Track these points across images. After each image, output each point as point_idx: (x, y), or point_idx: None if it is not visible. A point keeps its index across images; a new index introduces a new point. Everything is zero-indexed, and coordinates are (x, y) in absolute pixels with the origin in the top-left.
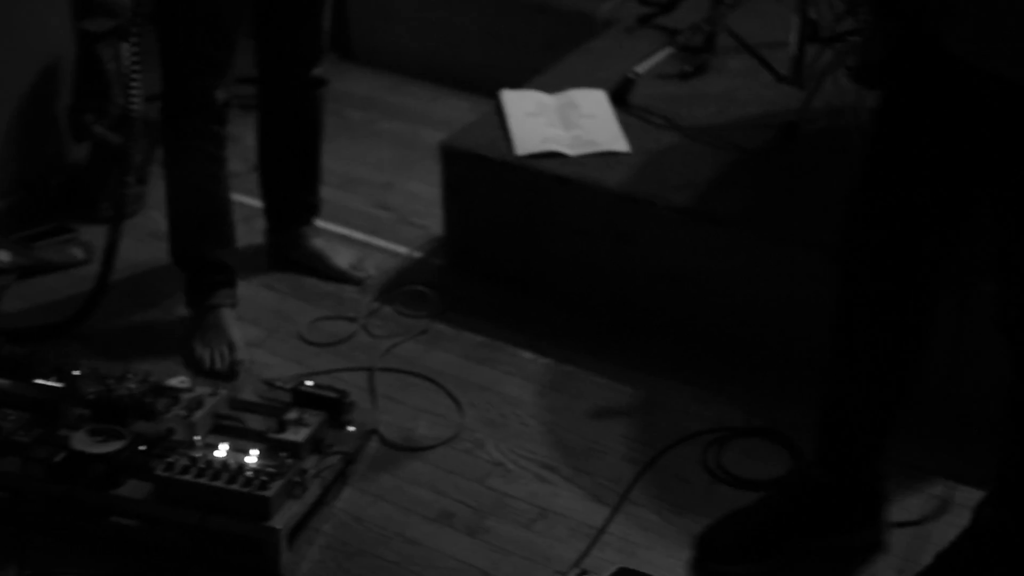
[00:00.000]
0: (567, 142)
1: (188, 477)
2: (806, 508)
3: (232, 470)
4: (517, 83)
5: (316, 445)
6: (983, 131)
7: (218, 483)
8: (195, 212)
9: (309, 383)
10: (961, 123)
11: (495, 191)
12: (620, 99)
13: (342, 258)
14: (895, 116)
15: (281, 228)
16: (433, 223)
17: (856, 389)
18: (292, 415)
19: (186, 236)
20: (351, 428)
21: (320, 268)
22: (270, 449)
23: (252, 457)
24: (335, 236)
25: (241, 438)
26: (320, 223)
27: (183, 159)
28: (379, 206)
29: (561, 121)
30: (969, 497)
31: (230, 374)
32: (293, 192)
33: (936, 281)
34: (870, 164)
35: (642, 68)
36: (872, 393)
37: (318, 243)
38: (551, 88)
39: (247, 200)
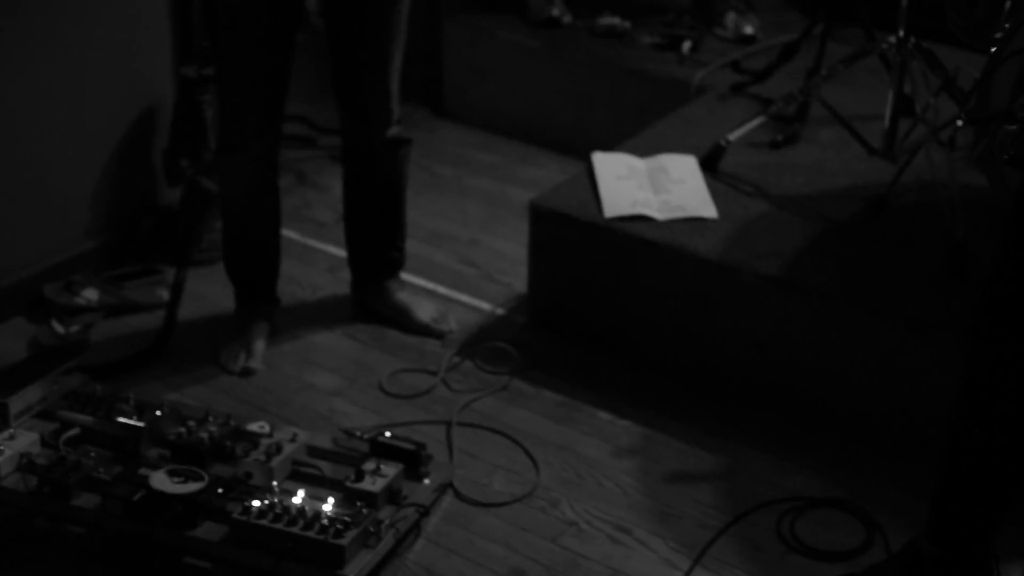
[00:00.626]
0: (656, 206)
1: (264, 522)
2: None
3: (308, 517)
4: (607, 146)
5: (392, 496)
6: None
7: (294, 529)
8: (242, 236)
9: (387, 434)
10: None
11: (582, 251)
12: (710, 165)
13: (424, 312)
14: None
15: (365, 281)
16: (517, 281)
17: (982, 461)
18: (369, 465)
19: (229, 256)
20: (427, 481)
21: (403, 321)
22: (346, 498)
23: (328, 505)
24: (419, 290)
25: (318, 485)
26: (405, 276)
27: (231, 187)
28: (464, 262)
29: (651, 185)
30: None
31: (241, 374)
32: (376, 247)
33: None
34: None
35: (733, 136)
36: (998, 466)
37: (402, 296)
38: (642, 152)
39: (334, 250)
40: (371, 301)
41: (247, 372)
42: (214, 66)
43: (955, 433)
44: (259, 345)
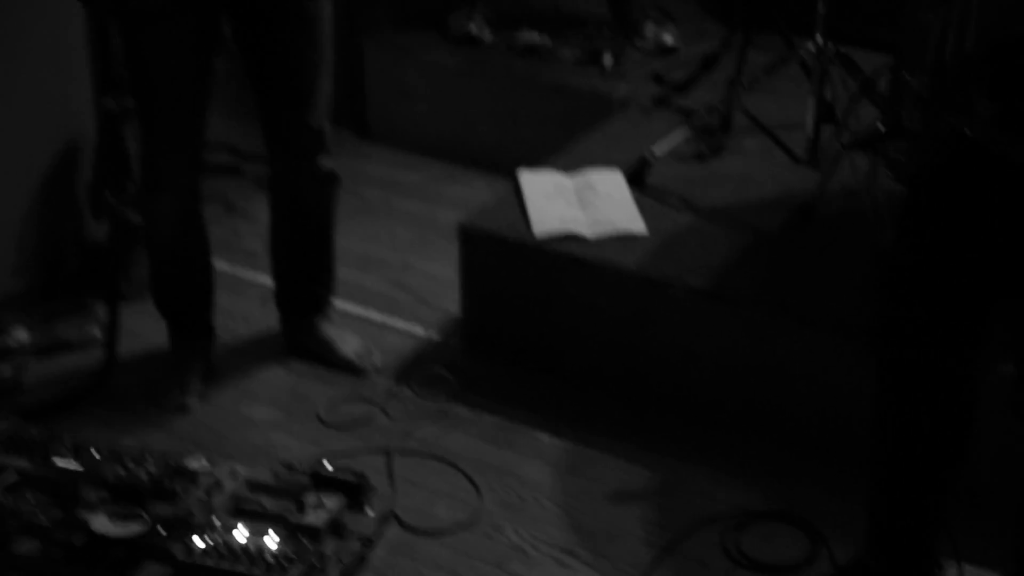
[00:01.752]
0: (585, 223)
1: (208, 562)
2: None
3: (252, 555)
4: (533, 162)
5: (335, 529)
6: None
7: (239, 568)
8: (171, 272)
9: (328, 466)
10: (998, 219)
11: (513, 272)
12: (637, 180)
13: (348, 346)
14: (936, 211)
15: (292, 317)
16: (451, 303)
17: (903, 476)
18: (311, 498)
19: (164, 291)
20: (370, 512)
21: (327, 357)
22: (289, 533)
23: (271, 541)
24: (346, 322)
25: (260, 520)
26: (338, 303)
27: (157, 225)
28: (397, 286)
29: (579, 202)
30: None
31: (176, 411)
32: (302, 283)
33: (978, 363)
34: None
35: (658, 149)
36: (920, 479)
37: (328, 332)
38: (568, 168)
39: (265, 280)
40: (300, 337)
41: (182, 408)
42: (133, 101)
43: (873, 443)
44: (194, 381)
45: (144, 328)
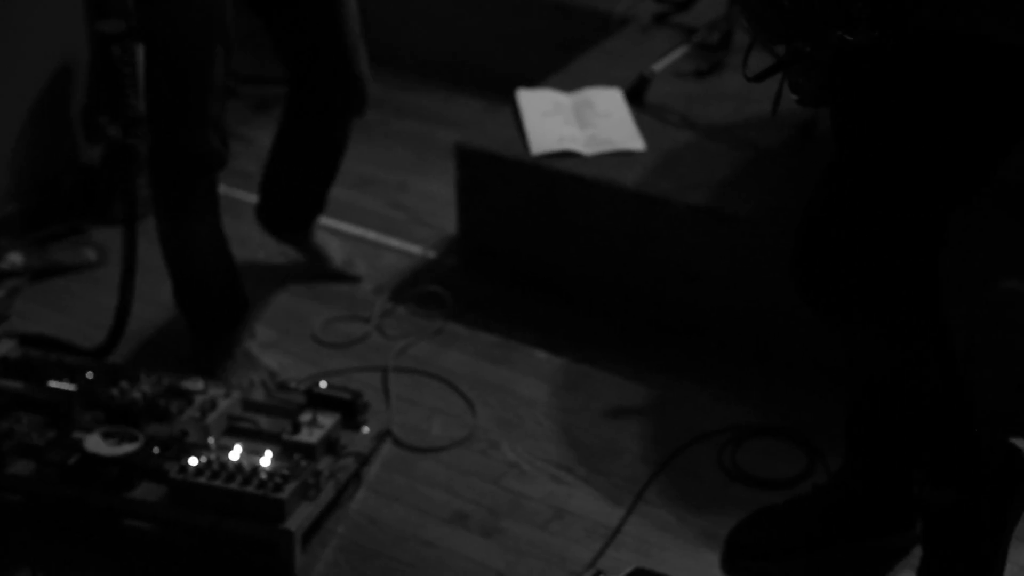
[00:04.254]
0: (583, 141)
1: (202, 480)
2: (840, 513)
3: (246, 472)
4: (532, 82)
5: (330, 446)
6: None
7: (232, 485)
8: (197, 267)
9: (323, 384)
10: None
11: (510, 191)
12: (636, 98)
13: (336, 256)
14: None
15: (289, 227)
16: (447, 223)
17: (873, 400)
18: (306, 417)
19: (191, 291)
20: (365, 429)
21: (317, 266)
22: (284, 451)
23: (266, 459)
24: (326, 232)
25: (255, 440)
26: (335, 222)
27: (181, 221)
28: (393, 206)
29: (577, 120)
30: None
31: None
32: (305, 196)
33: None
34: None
35: (658, 67)
36: (889, 403)
37: (318, 238)
38: (567, 87)
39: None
40: (291, 244)
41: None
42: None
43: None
44: (268, 360)
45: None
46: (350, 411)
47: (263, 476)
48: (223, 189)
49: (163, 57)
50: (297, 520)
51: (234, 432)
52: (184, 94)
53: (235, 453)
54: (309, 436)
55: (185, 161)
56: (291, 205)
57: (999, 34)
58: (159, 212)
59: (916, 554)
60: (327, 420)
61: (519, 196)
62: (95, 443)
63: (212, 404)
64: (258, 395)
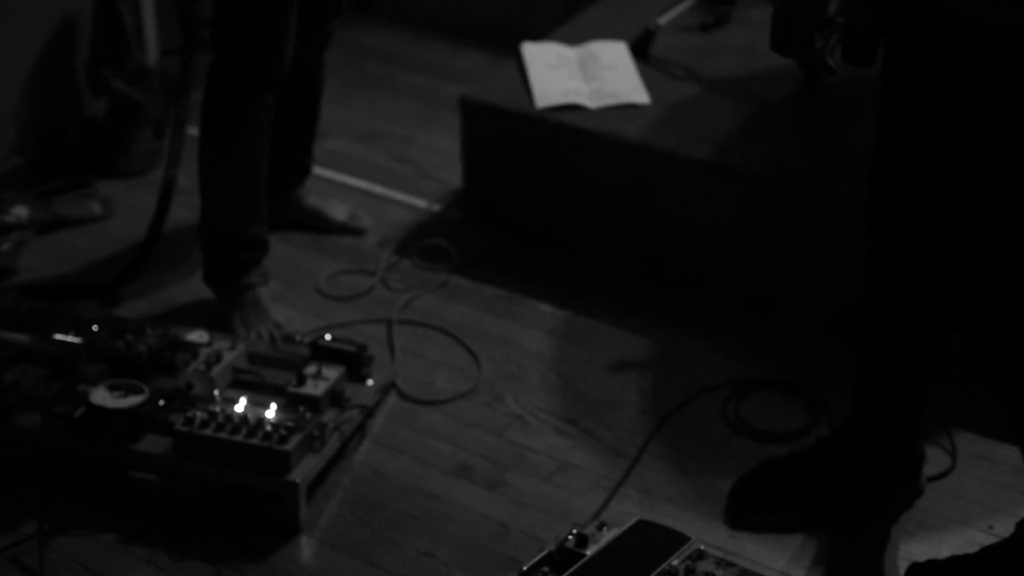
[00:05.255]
0: (587, 94)
1: (207, 431)
2: (845, 464)
3: (251, 424)
4: (537, 35)
5: (335, 399)
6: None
7: (237, 437)
8: (242, 190)
9: (328, 337)
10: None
11: (514, 144)
12: (641, 51)
13: (339, 212)
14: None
15: (275, 193)
16: (452, 176)
17: (891, 347)
18: (311, 369)
19: (228, 214)
20: (370, 382)
21: (320, 225)
22: (289, 403)
23: (271, 411)
24: (327, 190)
25: (260, 392)
26: (339, 175)
27: (240, 137)
28: (398, 159)
29: (581, 73)
30: (973, 445)
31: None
32: (288, 155)
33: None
34: (891, 122)
35: (663, 20)
36: (907, 350)
37: (312, 201)
38: (572, 40)
39: None
40: (285, 212)
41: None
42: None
43: (862, 318)
44: (276, 311)
45: (144, 204)
46: (355, 364)
47: (268, 428)
48: None
49: None
50: (302, 472)
51: (239, 385)
52: (248, 9)
53: (240, 405)
54: (314, 388)
55: (244, 76)
56: (279, 157)
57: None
58: (206, 132)
59: (918, 506)
60: (332, 373)
61: (524, 149)
62: (101, 396)
63: (217, 357)
64: (262, 347)
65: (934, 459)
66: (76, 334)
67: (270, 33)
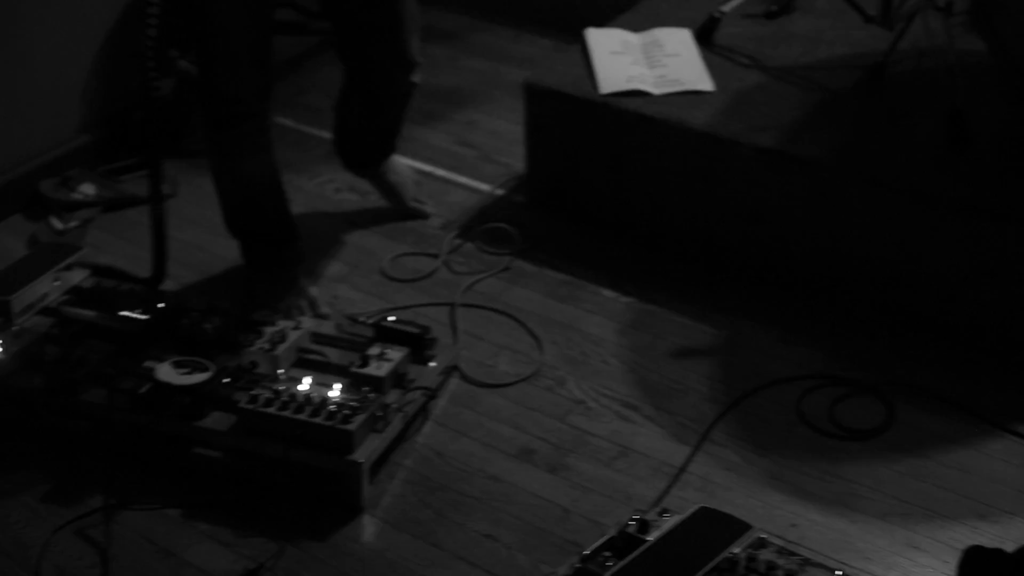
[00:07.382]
0: (651, 81)
1: (271, 410)
2: None
3: (315, 403)
4: (601, 22)
5: (398, 380)
6: None
7: (301, 416)
8: (246, 195)
9: (391, 318)
10: None
11: (577, 129)
12: (705, 38)
13: (408, 194)
14: None
15: (363, 165)
16: (515, 161)
17: None
18: (374, 350)
19: (238, 216)
20: (433, 363)
21: (394, 201)
22: (353, 383)
23: (335, 391)
24: (407, 165)
25: (324, 372)
26: (403, 159)
27: (230, 159)
28: (461, 143)
29: (646, 60)
30: None
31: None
32: (381, 138)
33: None
34: None
35: (727, 7)
36: None
37: (393, 178)
38: (636, 27)
39: (329, 135)
40: (371, 181)
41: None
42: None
43: None
44: (312, 290)
45: (207, 183)
46: (418, 345)
47: (332, 408)
48: (291, 123)
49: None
50: (365, 452)
51: (303, 364)
52: (210, 39)
53: (304, 385)
54: (377, 369)
55: (217, 104)
56: (361, 149)
57: None
58: (207, 149)
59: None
60: (395, 354)
61: (587, 135)
62: (166, 372)
63: (282, 336)
64: (327, 328)
65: None
66: (143, 312)
67: (220, 55)
